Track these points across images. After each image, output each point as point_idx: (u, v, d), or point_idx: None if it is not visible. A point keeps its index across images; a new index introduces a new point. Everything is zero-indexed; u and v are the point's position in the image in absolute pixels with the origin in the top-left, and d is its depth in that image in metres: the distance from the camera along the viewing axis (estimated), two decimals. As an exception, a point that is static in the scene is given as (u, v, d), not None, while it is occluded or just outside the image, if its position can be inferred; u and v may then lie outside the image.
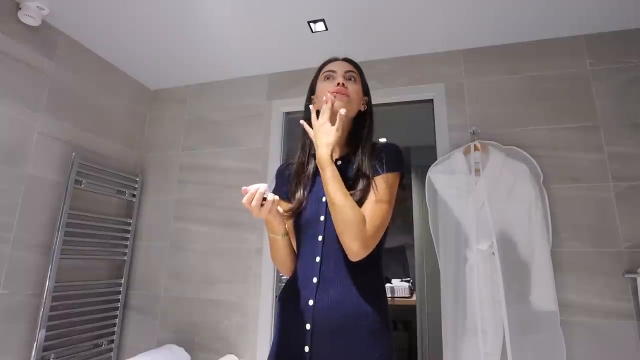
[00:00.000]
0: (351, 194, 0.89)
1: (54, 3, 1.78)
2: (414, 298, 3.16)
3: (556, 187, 1.79)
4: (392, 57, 2.20)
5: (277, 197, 0.90)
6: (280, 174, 1.12)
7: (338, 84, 0.99)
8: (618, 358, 1.58)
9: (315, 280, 0.91)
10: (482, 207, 1.69)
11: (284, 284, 1.03)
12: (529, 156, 1.78)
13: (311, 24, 1.92)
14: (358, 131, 1.05)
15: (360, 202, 0.90)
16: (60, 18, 1.91)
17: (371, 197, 0.90)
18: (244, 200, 0.87)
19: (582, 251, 1.71)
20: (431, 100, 2.10)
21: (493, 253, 1.63)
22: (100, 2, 1.79)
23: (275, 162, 2.24)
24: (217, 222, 2.28)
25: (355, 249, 0.84)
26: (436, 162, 1.93)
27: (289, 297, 0.96)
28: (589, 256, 1.70)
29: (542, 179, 1.75)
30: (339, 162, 1.02)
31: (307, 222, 0.98)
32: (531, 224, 1.66)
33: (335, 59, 1.08)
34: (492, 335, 1.56)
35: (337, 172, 0.89)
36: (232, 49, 2.18)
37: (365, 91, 1.08)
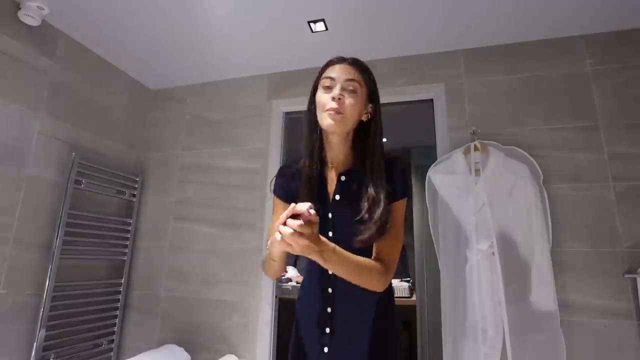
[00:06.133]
0: (360, 218, 0.87)
1: (54, 3, 1.78)
2: (414, 298, 3.16)
3: (556, 187, 1.78)
4: (392, 57, 2.20)
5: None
6: (283, 174, 1.06)
7: (333, 98, 0.90)
8: (618, 358, 1.58)
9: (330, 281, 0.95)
10: (482, 207, 1.69)
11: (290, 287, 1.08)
12: (529, 156, 1.78)
13: (311, 24, 1.92)
14: (362, 142, 0.97)
15: (368, 224, 0.87)
16: (60, 18, 1.91)
17: (391, 232, 0.89)
18: (297, 225, 0.71)
19: (582, 251, 1.71)
20: (431, 100, 2.10)
21: (493, 253, 1.63)
22: (100, 2, 1.79)
23: (275, 162, 2.24)
24: (217, 222, 2.28)
25: (380, 290, 0.89)
26: (436, 162, 1.93)
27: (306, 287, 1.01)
28: (589, 256, 1.70)
29: (542, 179, 1.75)
30: (343, 177, 0.97)
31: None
32: (531, 223, 1.66)
33: (339, 62, 0.96)
34: (492, 335, 1.56)
35: (337, 257, 0.81)
36: (232, 49, 2.18)
37: (372, 98, 0.97)
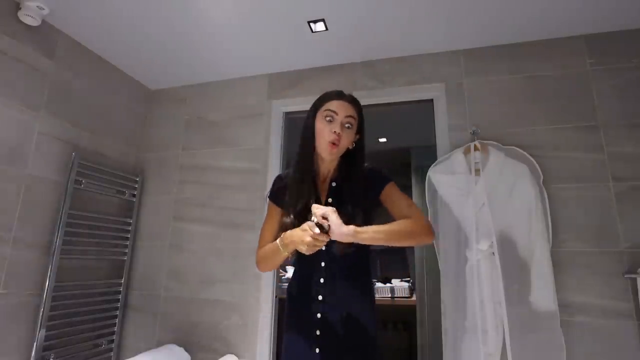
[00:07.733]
0: (351, 212, 1.05)
1: (54, 3, 1.78)
2: (414, 298, 3.16)
3: (556, 187, 1.78)
4: (392, 57, 2.20)
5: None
6: (281, 184, 1.22)
7: (334, 132, 1.07)
8: (618, 358, 1.58)
9: (323, 264, 1.13)
10: (482, 207, 1.69)
11: (287, 284, 1.22)
12: (529, 156, 1.78)
13: (311, 24, 1.92)
14: (347, 162, 1.17)
15: (364, 221, 1.03)
16: (60, 18, 1.90)
17: (403, 201, 1.11)
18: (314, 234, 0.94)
19: (582, 251, 1.71)
20: (431, 100, 2.10)
21: (493, 253, 1.63)
22: (100, 2, 1.79)
23: (275, 162, 2.24)
24: (216, 222, 2.28)
25: (429, 240, 1.07)
26: (436, 162, 1.93)
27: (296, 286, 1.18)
28: (589, 256, 1.70)
29: (542, 179, 1.75)
30: (334, 184, 1.17)
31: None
32: (531, 224, 1.66)
33: (339, 97, 1.12)
34: (493, 335, 1.56)
35: (374, 230, 0.99)
36: (232, 49, 2.18)
37: (359, 129, 1.15)
